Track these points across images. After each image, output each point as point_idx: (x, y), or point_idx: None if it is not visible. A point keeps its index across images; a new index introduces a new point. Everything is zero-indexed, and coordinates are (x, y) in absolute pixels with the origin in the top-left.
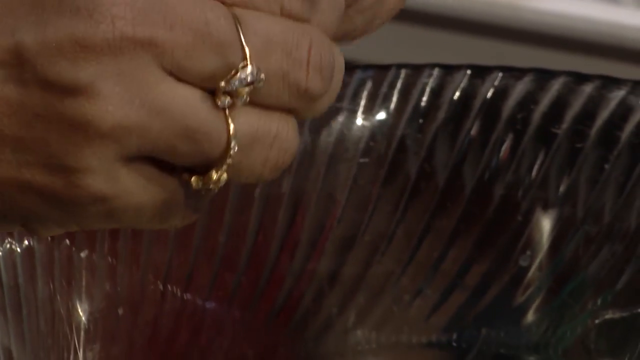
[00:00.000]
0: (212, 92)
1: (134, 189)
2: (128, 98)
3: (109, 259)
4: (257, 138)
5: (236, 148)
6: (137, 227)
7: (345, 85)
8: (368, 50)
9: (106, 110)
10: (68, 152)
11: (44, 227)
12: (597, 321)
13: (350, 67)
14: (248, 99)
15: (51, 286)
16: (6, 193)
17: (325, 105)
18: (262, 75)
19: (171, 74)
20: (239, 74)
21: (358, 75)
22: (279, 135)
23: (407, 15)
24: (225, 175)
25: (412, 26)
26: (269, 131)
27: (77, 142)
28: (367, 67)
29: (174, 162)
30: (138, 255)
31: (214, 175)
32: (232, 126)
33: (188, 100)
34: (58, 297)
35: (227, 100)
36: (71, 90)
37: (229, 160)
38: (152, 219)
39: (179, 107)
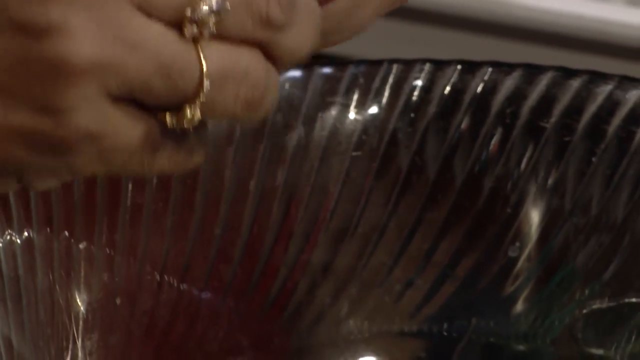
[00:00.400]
0: (180, 29)
1: (120, 127)
2: (102, 34)
3: (107, 250)
4: (227, 74)
5: (209, 84)
6: (127, 172)
7: (338, 80)
8: (360, 46)
9: (81, 46)
10: (52, 93)
11: (38, 178)
12: (584, 311)
13: (343, 63)
14: (214, 29)
15: (50, 277)
16: None
17: (294, 41)
18: (228, 5)
19: (140, 8)
20: (204, 3)
21: (351, 70)
22: (249, 71)
23: (399, 12)
24: (198, 113)
25: (404, 23)
26: (238, 66)
27: (59, 82)
28: (359, 62)
29: (151, 103)
30: (135, 247)
31: (188, 112)
32: (204, 63)
33: (160, 36)
34: (57, 287)
35: (194, 28)
36: (45, 31)
37: (202, 98)
38: (141, 161)
39: (152, 43)
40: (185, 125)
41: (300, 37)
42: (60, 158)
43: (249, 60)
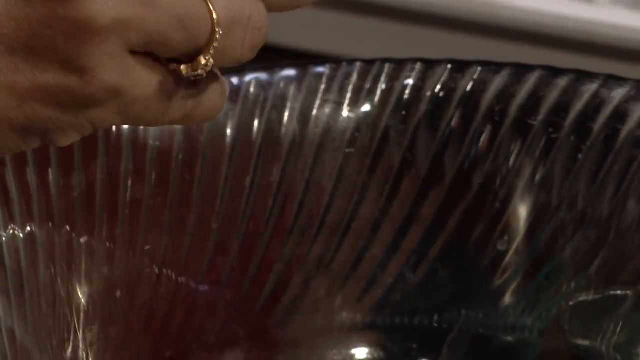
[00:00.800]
0: None
1: (139, 79)
2: None
3: (107, 244)
4: (234, 20)
5: (220, 32)
6: (142, 123)
7: (331, 79)
8: (353, 46)
9: (104, 5)
10: (78, 51)
11: (62, 135)
12: (571, 303)
13: (337, 62)
14: None
15: (52, 270)
16: (26, 105)
17: None
18: None
19: None
20: None
21: (344, 69)
22: (252, 16)
23: (390, 13)
24: (211, 60)
25: (396, 23)
26: (243, 13)
27: (84, 41)
28: (352, 61)
29: (167, 55)
30: (135, 241)
31: (202, 60)
32: (214, 13)
33: None
34: (59, 280)
35: None
36: None
37: (215, 44)
38: (156, 111)
39: None
40: (200, 72)
41: None
42: (85, 114)
43: (251, 6)
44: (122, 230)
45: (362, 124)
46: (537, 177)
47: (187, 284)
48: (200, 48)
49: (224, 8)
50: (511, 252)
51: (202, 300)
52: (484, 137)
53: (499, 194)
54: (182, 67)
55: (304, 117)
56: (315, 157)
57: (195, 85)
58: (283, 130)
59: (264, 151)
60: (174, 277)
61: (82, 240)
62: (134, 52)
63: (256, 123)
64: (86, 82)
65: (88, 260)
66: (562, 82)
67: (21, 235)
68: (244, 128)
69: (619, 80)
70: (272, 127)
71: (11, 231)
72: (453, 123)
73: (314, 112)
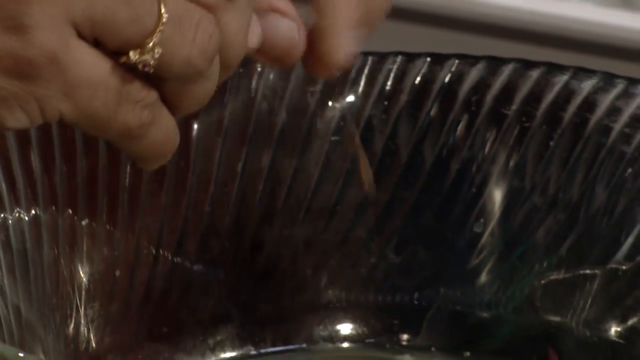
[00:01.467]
0: None
1: (85, 60)
2: None
3: (108, 227)
4: (183, 15)
5: (166, 16)
6: (93, 115)
7: None
8: None
9: None
10: (20, 10)
11: (8, 110)
12: (543, 281)
13: None
14: None
15: (55, 251)
16: None
17: (235, 22)
18: None
19: None
20: None
21: None
22: (202, 20)
23: None
24: (159, 49)
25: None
26: (193, 14)
27: (28, 0)
28: None
29: (114, 41)
30: (133, 224)
31: (149, 44)
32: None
33: None
34: (62, 260)
35: None
36: None
37: (161, 27)
38: (105, 102)
39: None
40: (147, 58)
41: (238, 22)
42: (29, 86)
43: (202, 15)
44: (122, 213)
45: (347, 113)
46: (511, 164)
47: (182, 264)
48: (146, 33)
49: (173, 2)
50: (487, 233)
51: (196, 280)
52: (461, 126)
53: (475, 180)
54: (130, 52)
55: (292, 107)
56: (302, 144)
57: (149, 91)
58: (273, 119)
59: (255, 139)
60: (169, 258)
61: (83, 223)
62: (80, 34)
63: (247, 113)
64: (26, 42)
65: (89, 242)
66: (534, 73)
67: (26, 218)
68: (236, 117)
69: (587, 72)
70: (262, 116)
71: (17, 214)
72: (432, 113)
73: (302, 102)
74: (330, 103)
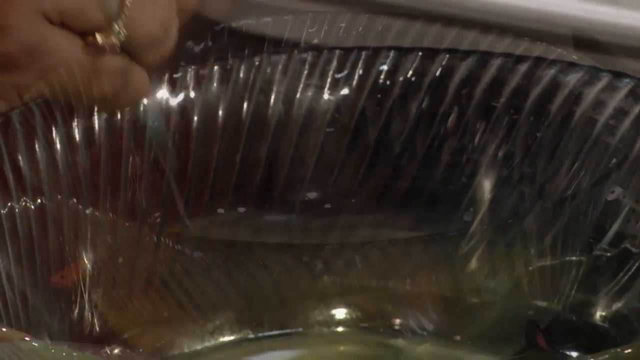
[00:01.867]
0: None
1: (59, 46)
2: None
3: (110, 215)
4: None
5: (130, 2)
6: (70, 87)
7: (313, 65)
8: (332, 37)
9: None
10: None
11: None
12: (530, 268)
13: (318, 50)
14: None
15: (60, 239)
16: None
17: None
18: None
19: None
20: None
21: (325, 56)
22: None
23: (366, 5)
24: (124, 29)
25: (373, 15)
26: None
27: (3, 3)
28: (332, 49)
29: (82, 25)
30: (135, 212)
31: (115, 27)
32: None
33: None
34: (67, 247)
35: None
36: None
37: (125, 11)
38: (82, 77)
39: None
40: (114, 41)
41: None
42: (7, 76)
43: None
44: (124, 202)
45: (341, 105)
46: (500, 154)
47: (183, 251)
48: (112, 16)
49: None
50: (476, 222)
51: (196, 266)
52: (451, 118)
53: (465, 170)
54: (97, 35)
55: (288, 99)
56: (299, 135)
57: (119, 59)
58: (270, 111)
59: (252, 130)
60: (170, 245)
61: (87, 211)
62: (52, 21)
63: (245, 105)
64: (5, 40)
65: (93, 230)
66: (522, 67)
67: (32, 206)
68: (234, 109)
69: (574, 66)
70: (260, 108)
71: (23, 203)
72: (423, 105)
73: (298, 95)
74: (325, 96)
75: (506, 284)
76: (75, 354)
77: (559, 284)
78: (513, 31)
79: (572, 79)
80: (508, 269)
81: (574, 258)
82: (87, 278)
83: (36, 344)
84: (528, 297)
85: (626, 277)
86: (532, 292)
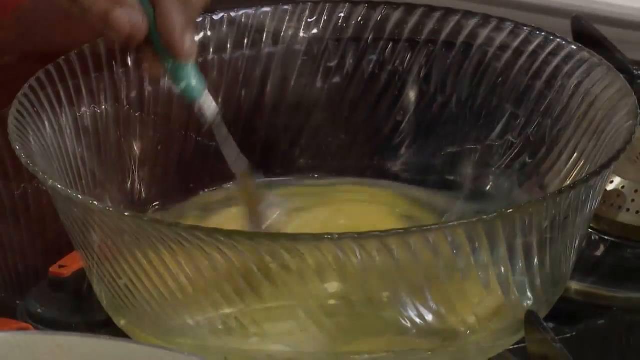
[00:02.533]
0: None
1: None
2: None
3: (152, 117)
4: None
5: None
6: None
7: (292, 13)
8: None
9: None
10: None
11: None
12: (442, 153)
13: (296, 2)
14: None
15: (118, 133)
16: None
17: None
18: None
19: None
20: None
21: (300, 7)
22: None
23: None
24: None
25: None
26: None
27: None
28: (305, 2)
29: None
30: (170, 114)
31: None
32: None
33: None
34: (122, 140)
35: None
36: None
37: None
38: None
39: None
40: None
41: None
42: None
43: None
44: (162, 107)
45: (312, 42)
46: (422, 74)
47: (203, 141)
48: None
49: None
50: (405, 121)
51: (212, 152)
52: (388, 49)
53: (397, 85)
54: None
55: (275, 37)
56: (282, 60)
57: None
58: (261, 46)
59: (248, 58)
60: (194, 137)
61: (136, 114)
62: None
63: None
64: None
65: (141, 128)
66: (437, 14)
67: (98, 111)
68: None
69: (473, 14)
70: (256, 43)
71: (93, 108)
72: (369, 41)
73: (281, 34)
74: (300, 34)
75: (424, 163)
76: (127, 213)
77: (462, 166)
78: None
79: (471, 22)
80: (427, 154)
81: (472, 146)
82: (137, 160)
83: (100, 206)
84: (440, 174)
85: (508, 159)
86: (443, 169)
